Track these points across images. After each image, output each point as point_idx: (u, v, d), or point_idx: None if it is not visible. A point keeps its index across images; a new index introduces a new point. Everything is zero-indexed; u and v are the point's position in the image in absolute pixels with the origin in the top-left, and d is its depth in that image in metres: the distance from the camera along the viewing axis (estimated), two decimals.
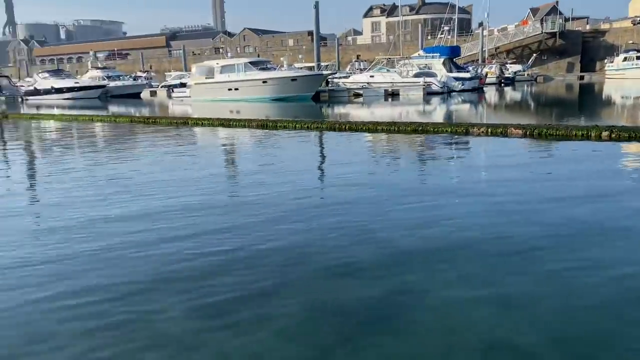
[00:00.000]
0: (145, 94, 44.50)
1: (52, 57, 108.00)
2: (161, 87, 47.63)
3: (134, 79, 51.44)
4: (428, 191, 6.12)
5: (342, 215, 5.06)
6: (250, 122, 14.75)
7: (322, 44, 58.20)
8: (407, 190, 6.20)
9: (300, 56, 48.43)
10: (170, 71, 63.79)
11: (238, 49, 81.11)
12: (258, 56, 63.38)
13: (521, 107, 22.81)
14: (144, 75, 57.26)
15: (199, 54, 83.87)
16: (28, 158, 10.58)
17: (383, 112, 20.61)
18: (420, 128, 12.05)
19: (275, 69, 30.54)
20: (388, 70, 32.51)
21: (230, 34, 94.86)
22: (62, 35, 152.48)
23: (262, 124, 14.40)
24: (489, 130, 11.19)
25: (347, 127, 13.00)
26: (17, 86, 49.02)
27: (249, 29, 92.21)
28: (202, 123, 15.64)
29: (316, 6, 33.02)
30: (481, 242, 4.20)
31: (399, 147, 10.36)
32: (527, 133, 10.74)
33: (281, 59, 34.18)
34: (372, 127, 12.63)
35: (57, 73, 48.00)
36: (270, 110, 22.73)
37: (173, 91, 41.20)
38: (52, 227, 4.91)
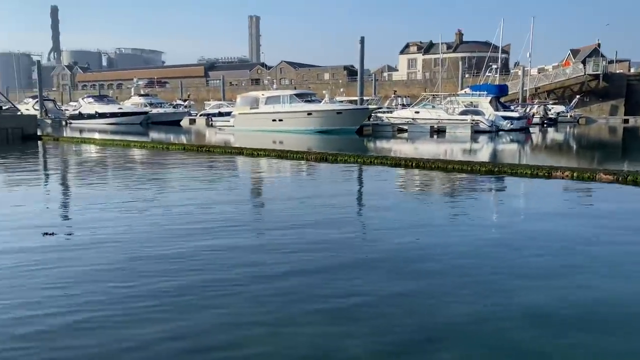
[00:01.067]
0: (184, 122, 45.12)
1: (94, 82, 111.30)
2: (200, 115, 48.31)
3: (174, 107, 52.19)
4: (552, 250, 5.44)
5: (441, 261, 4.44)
6: (308, 155, 14.32)
7: (356, 78, 58.34)
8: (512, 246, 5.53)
9: (341, 89, 48.59)
10: (208, 100, 64.80)
11: (275, 81, 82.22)
12: (295, 88, 63.88)
13: (579, 149, 21.88)
14: (184, 103, 58.11)
15: (236, 84, 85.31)
16: (91, 182, 10.27)
17: (434, 149, 20.00)
18: (496, 169, 11.37)
19: (319, 101, 30.32)
20: (433, 107, 32.00)
21: (266, 66, 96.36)
22: (104, 62, 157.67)
23: (322, 157, 13.94)
24: (575, 174, 10.44)
25: (413, 164, 12.41)
26: (61, 110, 50.27)
27: (285, 61, 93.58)
28: (258, 154, 15.24)
29: (362, 41, 32.93)
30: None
31: (479, 190, 9.68)
32: (619, 179, 9.96)
33: (323, 92, 34.08)
34: (443, 165, 12.00)
35: (101, 98, 49.13)
36: (314, 142, 22.35)
37: (213, 120, 41.63)
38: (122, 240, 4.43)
